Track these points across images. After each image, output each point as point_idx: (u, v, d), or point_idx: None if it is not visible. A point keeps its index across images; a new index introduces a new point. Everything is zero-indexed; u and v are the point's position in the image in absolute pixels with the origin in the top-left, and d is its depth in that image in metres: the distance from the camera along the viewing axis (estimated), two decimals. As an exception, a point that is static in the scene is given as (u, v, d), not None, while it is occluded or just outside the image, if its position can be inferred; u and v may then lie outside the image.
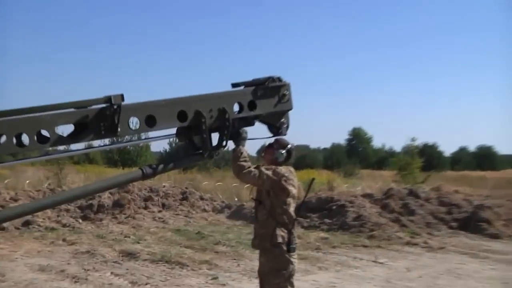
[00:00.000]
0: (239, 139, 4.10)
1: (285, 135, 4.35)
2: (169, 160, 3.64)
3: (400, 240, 11.11)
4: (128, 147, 42.01)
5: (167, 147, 44.37)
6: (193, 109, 3.53)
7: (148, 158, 42.82)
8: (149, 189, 16.42)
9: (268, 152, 4.48)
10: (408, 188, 15.93)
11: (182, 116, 3.48)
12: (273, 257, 4.24)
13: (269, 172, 4.22)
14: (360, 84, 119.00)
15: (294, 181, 4.33)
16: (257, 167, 4.23)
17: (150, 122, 3.30)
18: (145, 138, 4.04)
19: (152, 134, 3.59)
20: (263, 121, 4.22)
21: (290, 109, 4.25)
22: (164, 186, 17.42)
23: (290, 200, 4.31)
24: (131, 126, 3.21)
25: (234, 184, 19.75)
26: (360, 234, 11.79)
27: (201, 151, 3.71)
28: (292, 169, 4.42)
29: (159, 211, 14.88)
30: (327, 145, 76.15)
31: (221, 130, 3.77)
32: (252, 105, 3.94)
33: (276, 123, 4.24)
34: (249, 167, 4.16)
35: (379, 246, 10.61)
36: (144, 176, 3.41)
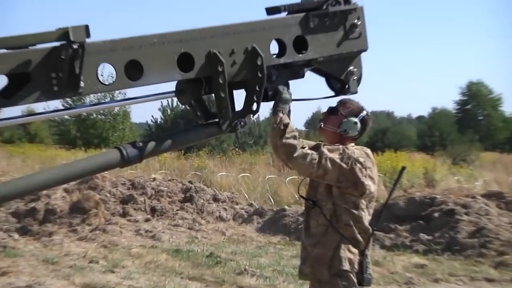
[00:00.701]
0: (279, 100, 4.08)
1: (355, 93, 4.36)
2: (163, 136, 3.66)
3: (552, 272, 10.95)
4: (95, 114, 42.11)
5: (159, 116, 44.54)
6: (203, 50, 3.55)
7: (126, 134, 43.24)
8: (129, 184, 16.67)
9: (331, 121, 4.49)
10: None
11: (185, 61, 3.50)
12: (335, 293, 4.27)
13: (335, 156, 4.22)
14: (478, 17, 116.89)
15: (373, 171, 4.33)
16: (316, 147, 4.24)
17: (132, 72, 3.33)
18: (124, 99, 4.02)
19: (134, 92, 3.61)
20: (319, 70, 4.20)
21: (364, 49, 4.23)
22: (154, 180, 17.62)
23: (365, 202, 4.31)
24: (101, 78, 3.24)
25: (269, 176, 19.78)
26: (482, 259, 11.66)
27: (216, 119, 3.74)
28: (368, 151, 4.42)
29: (147, 220, 15.07)
30: (424, 112, 75.48)
31: (250, 86, 3.78)
32: (300, 44, 3.91)
33: (341, 74, 4.22)
34: (303, 147, 4.16)
35: (515, 280, 10.50)
36: (125, 161, 3.45)
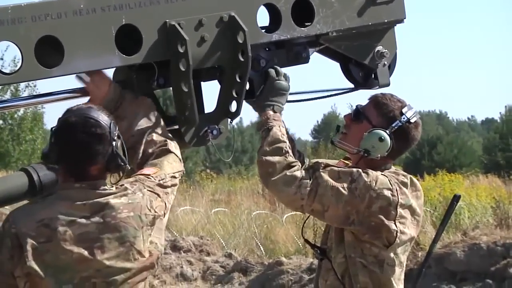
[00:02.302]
0: (270, 89, 3.31)
1: (385, 85, 3.60)
2: None
3: None
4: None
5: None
6: (155, 20, 3.04)
7: (38, 148, 32.90)
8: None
9: (352, 133, 3.40)
10: None
11: (128, 38, 3.03)
12: None
13: (343, 184, 3.15)
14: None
15: (410, 208, 3.27)
16: (313, 167, 3.22)
17: (48, 54, 2.89)
18: (34, 96, 3.50)
19: (50, 85, 3.17)
20: (331, 51, 3.63)
21: (400, 20, 3.62)
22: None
23: (393, 255, 3.25)
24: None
25: (258, 211, 17.11)
26: None
27: (176, 126, 3.24)
28: (407, 179, 3.32)
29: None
30: (493, 113, 69.99)
31: (227, 75, 3.25)
32: (303, 11, 3.37)
33: (364, 57, 3.56)
34: (290, 165, 3.17)
35: None
36: (35, 190, 2.96)
